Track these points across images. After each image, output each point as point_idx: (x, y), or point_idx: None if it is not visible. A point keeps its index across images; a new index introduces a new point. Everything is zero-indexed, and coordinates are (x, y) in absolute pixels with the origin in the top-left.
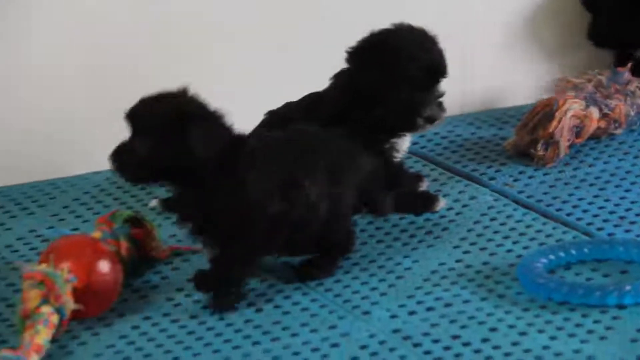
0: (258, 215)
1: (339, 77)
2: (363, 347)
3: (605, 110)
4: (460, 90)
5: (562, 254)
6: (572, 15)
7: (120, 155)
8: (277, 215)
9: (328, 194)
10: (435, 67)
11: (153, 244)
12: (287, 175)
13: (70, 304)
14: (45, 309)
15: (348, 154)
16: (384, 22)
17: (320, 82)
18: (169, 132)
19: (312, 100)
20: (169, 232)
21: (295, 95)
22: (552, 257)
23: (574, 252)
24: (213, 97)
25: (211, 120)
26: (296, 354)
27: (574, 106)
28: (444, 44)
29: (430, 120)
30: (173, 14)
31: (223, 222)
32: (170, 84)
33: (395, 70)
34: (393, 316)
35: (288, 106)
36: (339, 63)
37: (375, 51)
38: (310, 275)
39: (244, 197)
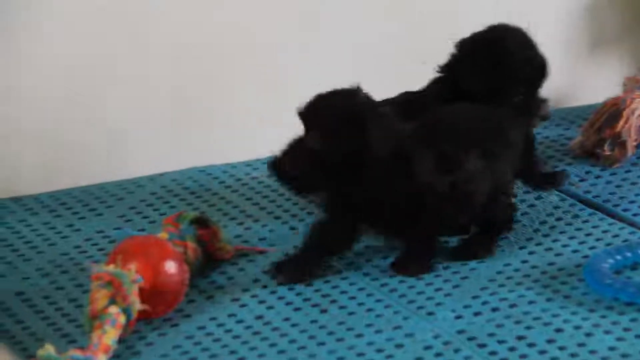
0: (430, 196)
1: (442, 78)
2: (427, 347)
3: None
4: None
5: (628, 254)
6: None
7: (293, 150)
8: (445, 194)
9: (487, 169)
10: (545, 66)
11: (219, 245)
12: (449, 153)
13: (137, 305)
14: (113, 310)
15: (501, 129)
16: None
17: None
18: (347, 128)
19: (407, 99)
20: (234, 232)
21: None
22: (618, 257)
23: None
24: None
25: (386, 118)
26: (361, 354)
27: None
28: None
29: (545, 118)
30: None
31: (396, 210)
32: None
33: (511, 71)
34: (458, 317)
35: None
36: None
37: (487, 52)
38: (473, 255)
39: (413, 181)
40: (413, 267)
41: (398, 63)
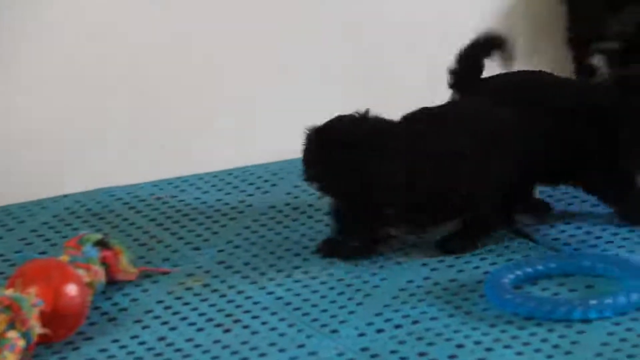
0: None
1: None
2: None
3: None
4: None
5: (528, 270)
6: (547, 16)
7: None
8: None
9: (476, 166)
10: None
11: (122, 267)
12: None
13: (37, 329)
14: (12, 334)
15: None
16: None
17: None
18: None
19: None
20: (138, 253)
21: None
22: (518, 272)
23: (540, 267)
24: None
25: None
26: None
27: None
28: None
29: None
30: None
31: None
32: None
33: None
34: (361, 334)
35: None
36: None
37: None
38: (451, 249)
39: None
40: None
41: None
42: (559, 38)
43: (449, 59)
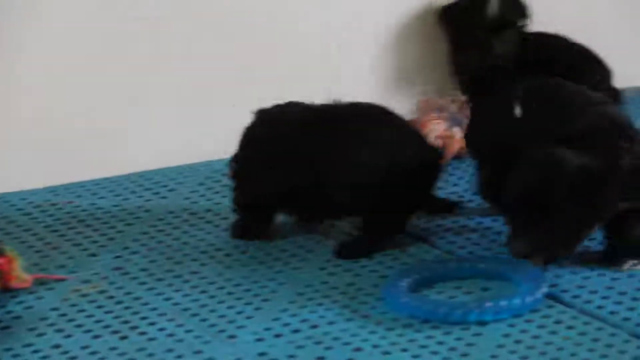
0: None
1: None
2: None
3: None
4: None
5: (425, 273)
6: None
7: None
8: None
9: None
10: None
11: (16, 274)
12: None
13: None
14: None
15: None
16: None
17: None
18: None
19: None
20: (32, 260)
21: None
22: (415, 276)
23: (436, 270)
24: None
25: None
26: None
27: (437, 127)
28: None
29: None
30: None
31: None
32: None
33: None
34: (259, 339)
35: None
36: None
37: None
38: (346, 255)
39: None
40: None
41: None
42: (442, 65)
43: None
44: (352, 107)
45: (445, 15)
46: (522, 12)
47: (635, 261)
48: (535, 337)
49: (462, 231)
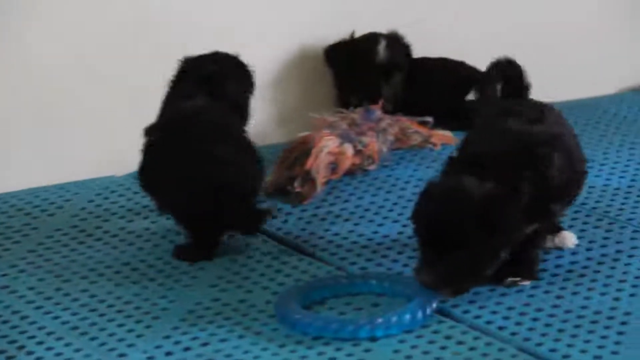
0: None
1: None
2: None
3: (359, 147)
4: None
5: (316, 290)
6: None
7: None
8: None
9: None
10: None
11: None
12: None
13: None
14: None
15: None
16: None
17: None
18: None
19: None
20: None
21: None
22: (307, 292)
23: (327, 287)
24: None
25: None
26: None
27: (329, 143)
28: None
29: None
30: None
31: None
32: None
33: None
34: (150, 357)
35: None
36: None
37: None
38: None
39: None
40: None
41: None
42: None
43: None
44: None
45: (331, 55)
46: (408, 55)
47: (516, 278)
48: (426, 352)
49: (354, 247)
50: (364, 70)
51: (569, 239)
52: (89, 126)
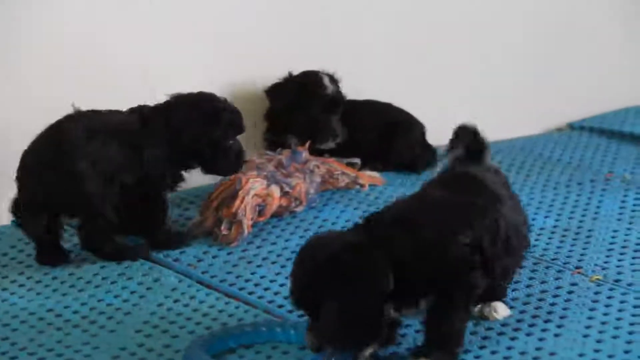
0: None
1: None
2: None
3: (287, 189)
4: None
5: (227, 340)
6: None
7: None
8: None
9: None
10: None
11: None
12: None
13: None
14: None
15: None
16: None
17: None
18: None
19: None
20: None
21: None
22: (215, 343)
23: (235, 337)
24: None
25: None
26: None
27: (256, 185)
28: None
29: None
30: None
31: None
32: None
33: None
34: None
35: None
36: None
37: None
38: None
39: None
40: None
41: None
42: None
43: None
44: None
45: (275, 92)
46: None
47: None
48: None
49: (281, 290)
50: (312, 104)
51: (501, 310)
52: None
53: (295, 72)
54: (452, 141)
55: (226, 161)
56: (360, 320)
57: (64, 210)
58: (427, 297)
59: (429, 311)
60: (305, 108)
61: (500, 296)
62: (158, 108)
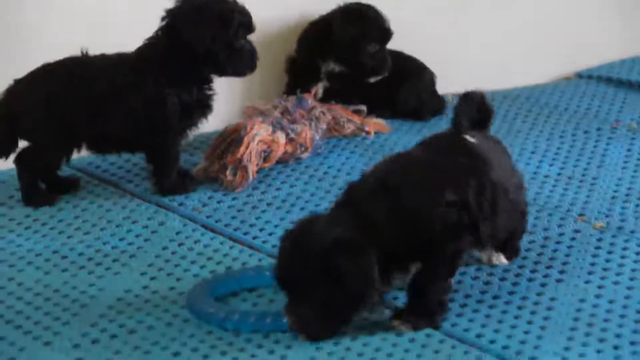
0: None
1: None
2: None
3: (292, 135)
4: None
5: (228, 283)
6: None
7: None
8: None
9: None
10: None
11: None
12: None
13: None
14: None
15: None
16: None
17: None
18: None
19: None
20: None
21: None
22: (218, 286)
23: (238, 280)
24: None
25: None
26: None
27: (261, 131)
28: None
29: None
30: None
31: None
32: None
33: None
34: (76, 345)
35: None
36: None
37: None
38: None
39: None
40: None
41: None
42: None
43: None
44: None
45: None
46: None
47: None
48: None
49: (267, 226)
50: (373, 36)
51: (498, 258)
52: None
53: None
54: (457, 107)
55: (241, 61)
56: (348, 314)
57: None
58: (416, 262)
59: (414, 276)
60: (367, 40)
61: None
62: (161, 27)
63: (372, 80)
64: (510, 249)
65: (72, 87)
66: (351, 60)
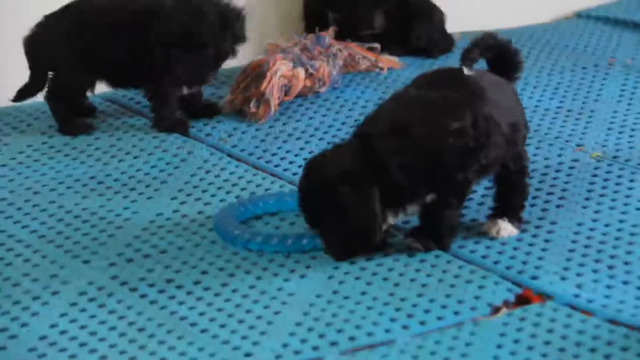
0: None
1: None
2: (82, 293)
3: (311, 71)
4: None
5: (252, 208)
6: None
7: None
8: None
9: None
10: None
11: None
12: None
13: None
14: None
15: None
16: None
17: None
18: None
19: None
20: None
21: None
22: (243, 210)
23: (261, 204)
24: None
25: None
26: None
27: (282, 67)
28: None
29: None
30: None
31: None
32: None
33: None
34: (112, 264)
35: None
36: None
37: None
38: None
39: None
40: None
41: None
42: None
43: None
44: None
45: None
46: None
47: (416, 243)
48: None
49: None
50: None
51: (507, 230)
52: None
53: None
54: (468, 49)
55: None
56: (364, 239)
57: None
58: (430, 194)
59: (426, 205)
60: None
61: (510, 216)
62: None
63: (362, 34)
64: (512, 214)
65: (90, 18)
66: (343, 14)
